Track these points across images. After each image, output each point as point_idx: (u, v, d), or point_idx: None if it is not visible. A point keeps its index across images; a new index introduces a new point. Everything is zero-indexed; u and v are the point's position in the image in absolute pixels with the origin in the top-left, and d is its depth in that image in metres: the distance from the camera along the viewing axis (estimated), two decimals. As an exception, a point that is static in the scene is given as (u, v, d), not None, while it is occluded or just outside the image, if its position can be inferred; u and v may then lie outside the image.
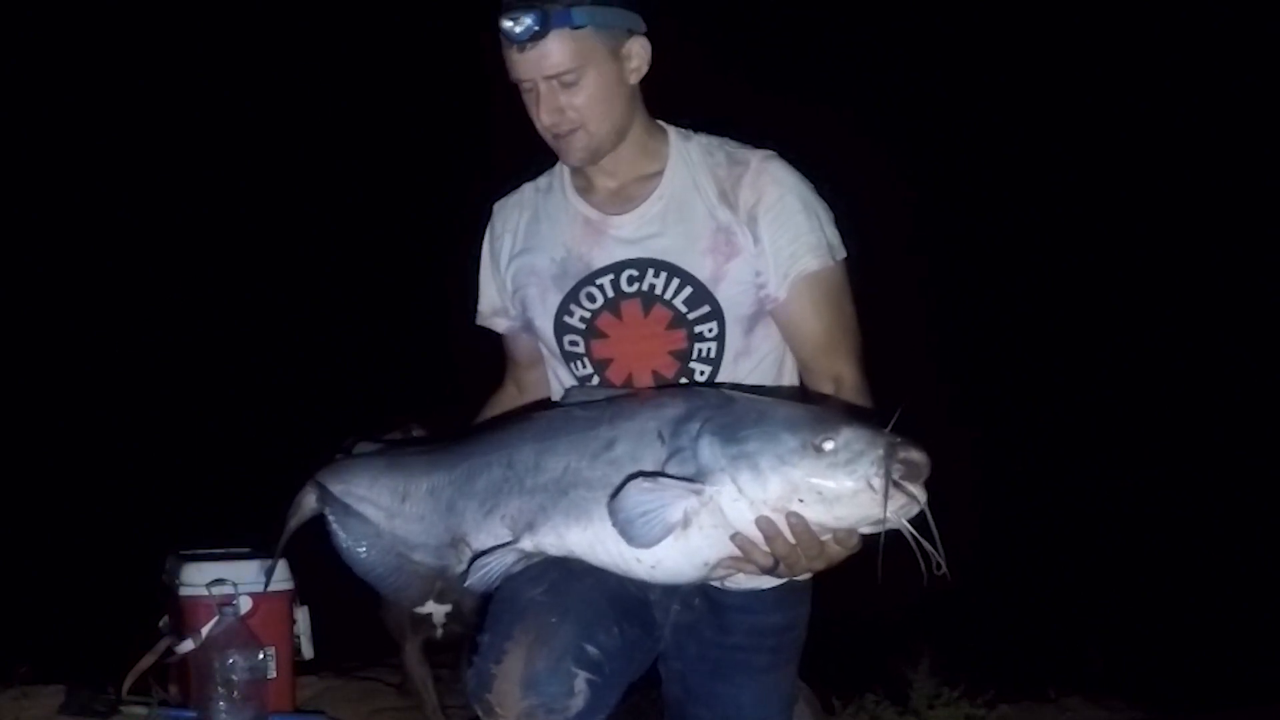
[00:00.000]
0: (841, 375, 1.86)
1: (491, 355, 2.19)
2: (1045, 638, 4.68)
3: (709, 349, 1.88)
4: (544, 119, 1.82)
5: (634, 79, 1.86)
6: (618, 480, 1.54)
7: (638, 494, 1.48)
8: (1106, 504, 6.80)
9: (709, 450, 1.48)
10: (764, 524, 1.46)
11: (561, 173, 1.99)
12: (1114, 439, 7.68)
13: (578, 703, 1.68)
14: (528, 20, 1.76)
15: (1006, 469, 6.54)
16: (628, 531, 1.49)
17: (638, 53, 1.85)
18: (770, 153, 1.90)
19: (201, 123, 9.14)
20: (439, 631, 3.05)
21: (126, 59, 8.90)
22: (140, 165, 8.98)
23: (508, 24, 1.77)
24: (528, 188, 2.04)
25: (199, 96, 9.13)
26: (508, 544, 1.65)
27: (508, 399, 2.13)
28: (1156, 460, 7.24)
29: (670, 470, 1.51)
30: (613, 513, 1.51)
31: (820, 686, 3.10)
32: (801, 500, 1.44)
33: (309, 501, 1.89)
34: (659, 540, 1.49)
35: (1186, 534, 6.32)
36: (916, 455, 1.41)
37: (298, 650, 3.03)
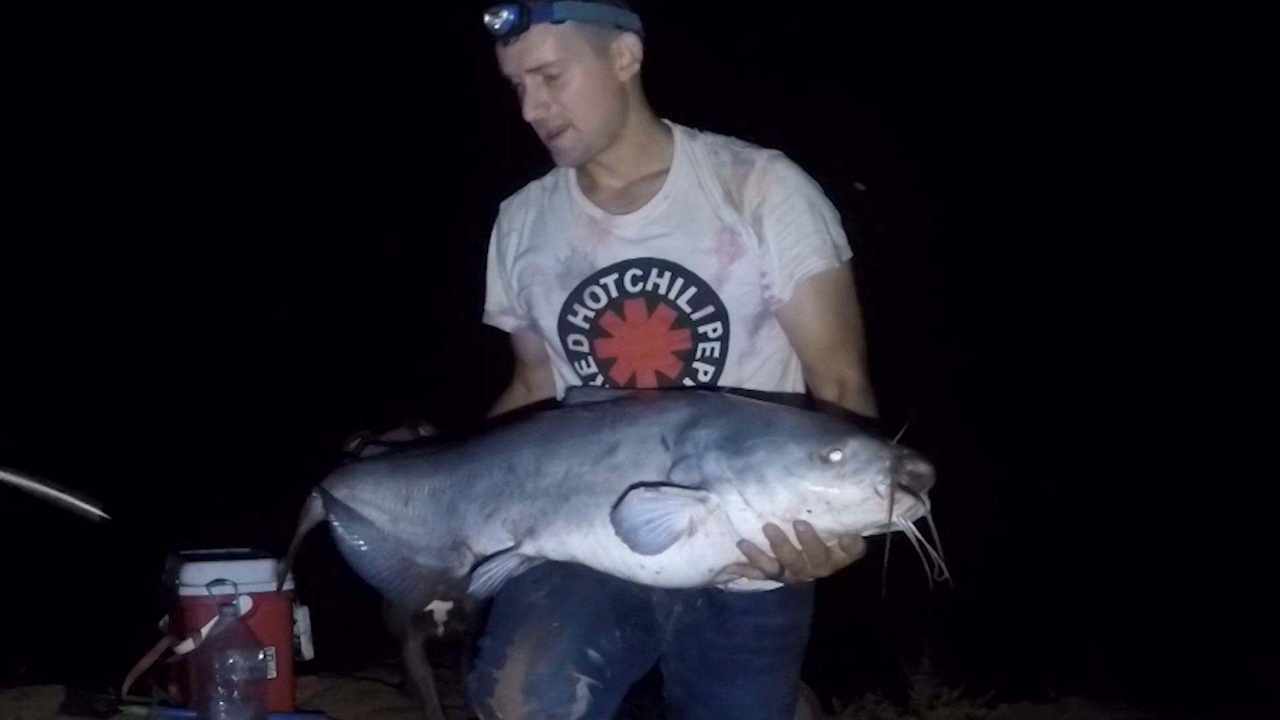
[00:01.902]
0: (846, 377, 1.85)
1: (490, 353, 2.19)
2: (1045, 638, 4.67)
3: (713, 349, 1.87)
4: (530, 114, 1.82)
5: (624, 76, 1.85)
6: (620, 485, 1.53)
7: (640, 503, 1.48)
8: (1107, 504, 6.80)
9: (715, 460, 1.48)
10: (771, 532, 1.47)
11: (567, 171, 1.98)
12: (1114, 439, 7.68)
13: (579, 708, 1.68)
14: (507, 14, 1.77)
15: (1007, 468, 6.53)
16: (632, 539, 1.49)
17: (628, 50, 1.84)
18: (776, 152, 1.89)
19: (201, 123, 9.14)
20: (440, 630, 3.04)
21: (126, 59, 8.90)
22: (137, 165, 8.97)
23: (489, 18, 1.78)
24: (533, 186, 2.03)
25: (199, 98, 9.12)
26: (509, 549, 1.65)
27: (517, 398, 2.13)
28: (1156, 460, 7.24)
29: (675, 478, 1.51)
30: (615, 523, 1.50)
31: (820, 686, 3.10)
32: (809, 510, 1.44)
33: (316, 509, 1.89)
34: (664, 548, 1.49)
35: (1186, 534, 6.31)
36: (922, 467, 1.42)
37: (298, 650, 3.03)
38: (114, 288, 8.56)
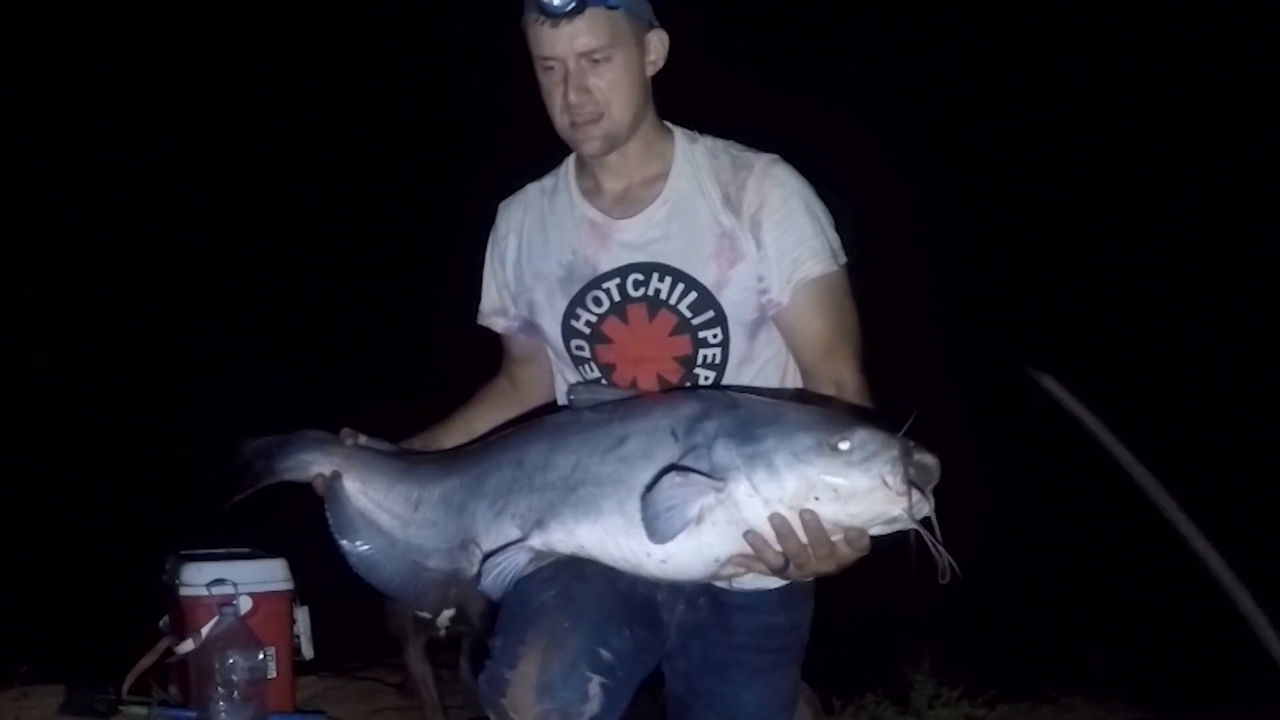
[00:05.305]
0: (843, 379, 1.85)
1: (484, 353, 2.19)
2: (1045, 638, 4.67)
3: (713, 355, 1.88)
4: (571, 98, 1.81)
5: (651, 71, 1.88)
6: (628, 477, 1.54)
7: (671, 488, 1.48)
8: (1107, 503, 6.78)
9: (724, 449, 1.49)
10: (777, 521, 1.47)
11: (567, 174, 1.98)
12: (1114, 437, 7.66)
13: (592, 707, 1.68)
14: None
15: (1007, 468, 6.53)
16: (653, 525, 1.49)
17: (656, 45, 1.87)
18: (775, 157, 1.90)
19: (201, 123, 9.14)
20: (441, 630, 3.04)
21: (126, 59, 8.90)
22: (137, 165, 8.98)
23: None
24: (532, 188, 2.04)
25: (200, 98, 9.13)
26: (517, 542, 1.65)
27: (499, 391, 2.15)
28: (1156, 459, 7.22)
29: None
30: (645, 505, 1.50)
31: (820, 686, 3.10)
32: (817, 498, 1.45)
33: (317, 467, 1.89)
34: (676, 535, 1.49)
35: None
36: (929, 459, 1.43)
37: (298, 650, 3.03)
38: (114, 287, 8.56)
